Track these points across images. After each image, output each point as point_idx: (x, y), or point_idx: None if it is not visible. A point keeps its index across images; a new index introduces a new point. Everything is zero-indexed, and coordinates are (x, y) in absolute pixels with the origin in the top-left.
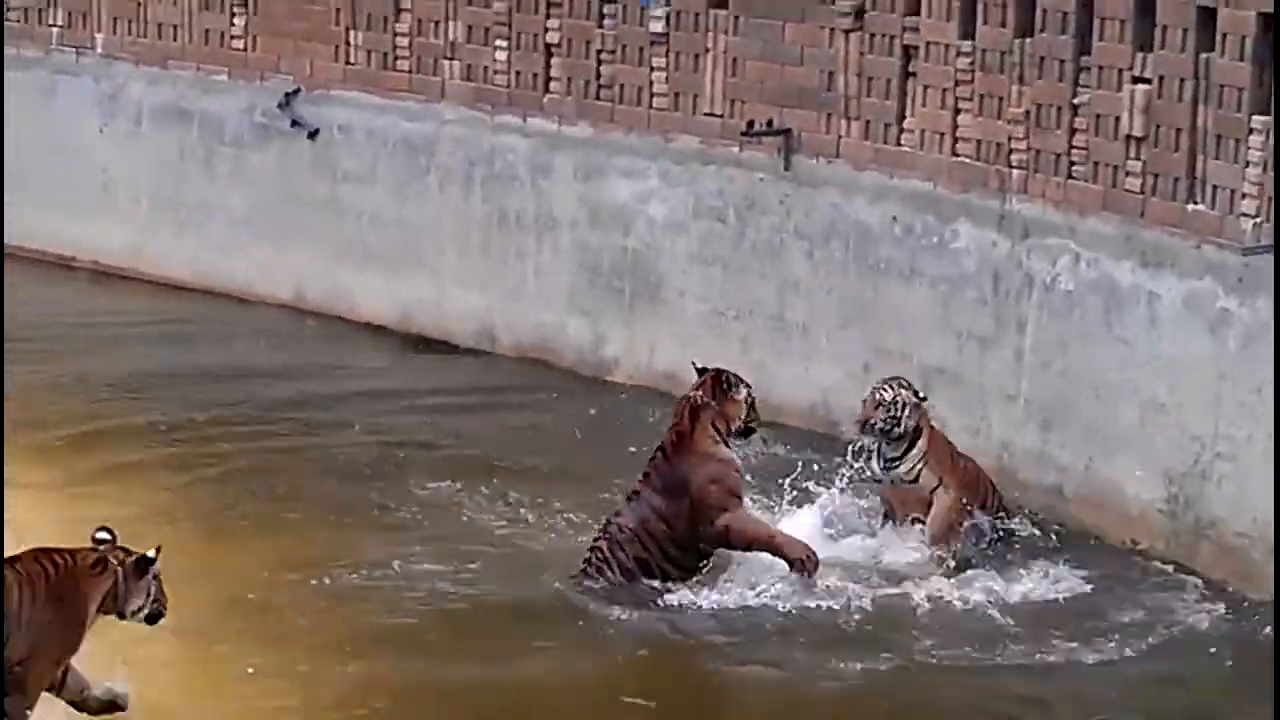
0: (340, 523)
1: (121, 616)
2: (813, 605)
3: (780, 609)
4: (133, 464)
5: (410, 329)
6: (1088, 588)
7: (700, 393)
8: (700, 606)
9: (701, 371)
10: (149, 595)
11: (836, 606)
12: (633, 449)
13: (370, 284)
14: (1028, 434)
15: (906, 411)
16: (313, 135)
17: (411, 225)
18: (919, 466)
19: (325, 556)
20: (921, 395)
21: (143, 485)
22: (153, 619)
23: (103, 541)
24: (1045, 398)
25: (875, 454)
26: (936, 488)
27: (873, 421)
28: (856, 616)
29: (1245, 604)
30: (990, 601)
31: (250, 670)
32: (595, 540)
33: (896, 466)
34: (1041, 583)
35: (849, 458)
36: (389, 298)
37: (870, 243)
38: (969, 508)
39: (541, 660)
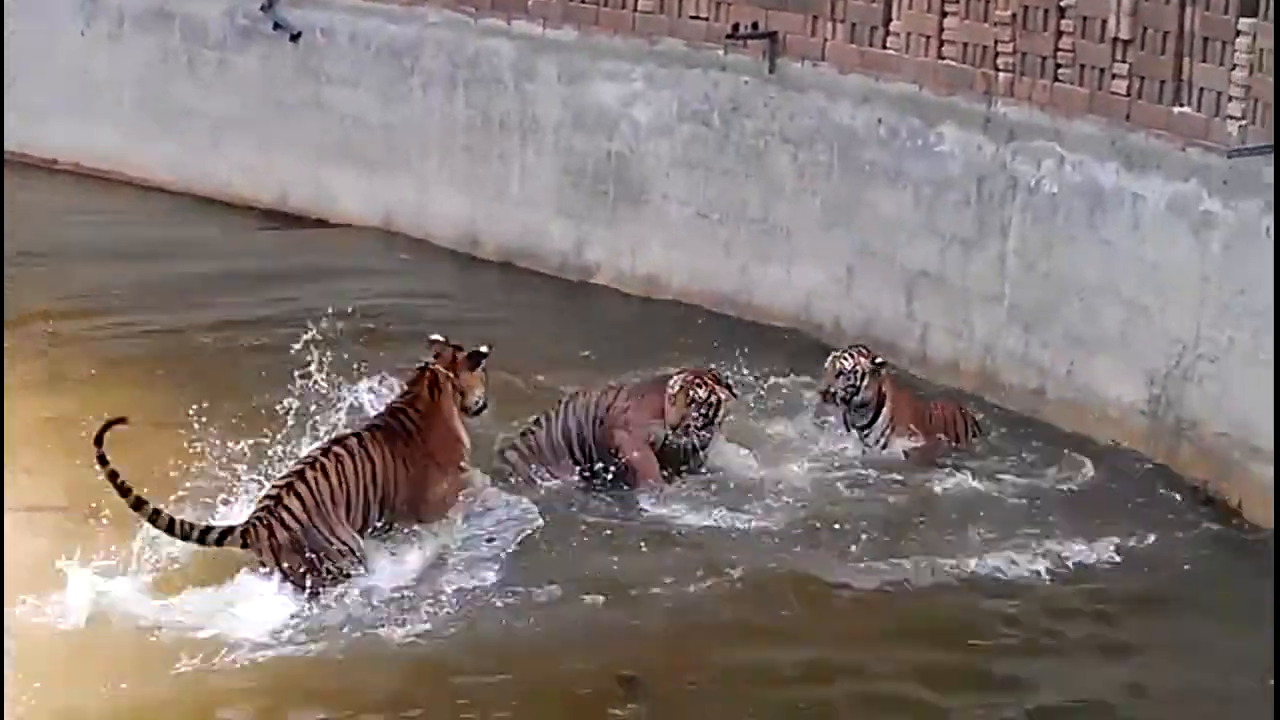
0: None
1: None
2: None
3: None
4: (118, 361)
5: (393, 230)
6: (1065, 487)
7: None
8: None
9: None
10: (484, 387)
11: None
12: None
13: (353, 186)
14: (1010, 336)
15: (865, 381)
16: (295, 38)
17: (395, 128)
18: (888, 433)
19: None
20: (879, 360)
21: (131, 384)
22: (479, 412)
23: (435, 342)
24: (1028, 300)
25: (845, 426)
26: (909, 449)
27: (833, 390)
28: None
29: (1224, 502)
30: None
31: None
32: None
33: (868, 435)
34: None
35: (817, 421)
36: (372, 200)
37: (855, 146)
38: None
39: None
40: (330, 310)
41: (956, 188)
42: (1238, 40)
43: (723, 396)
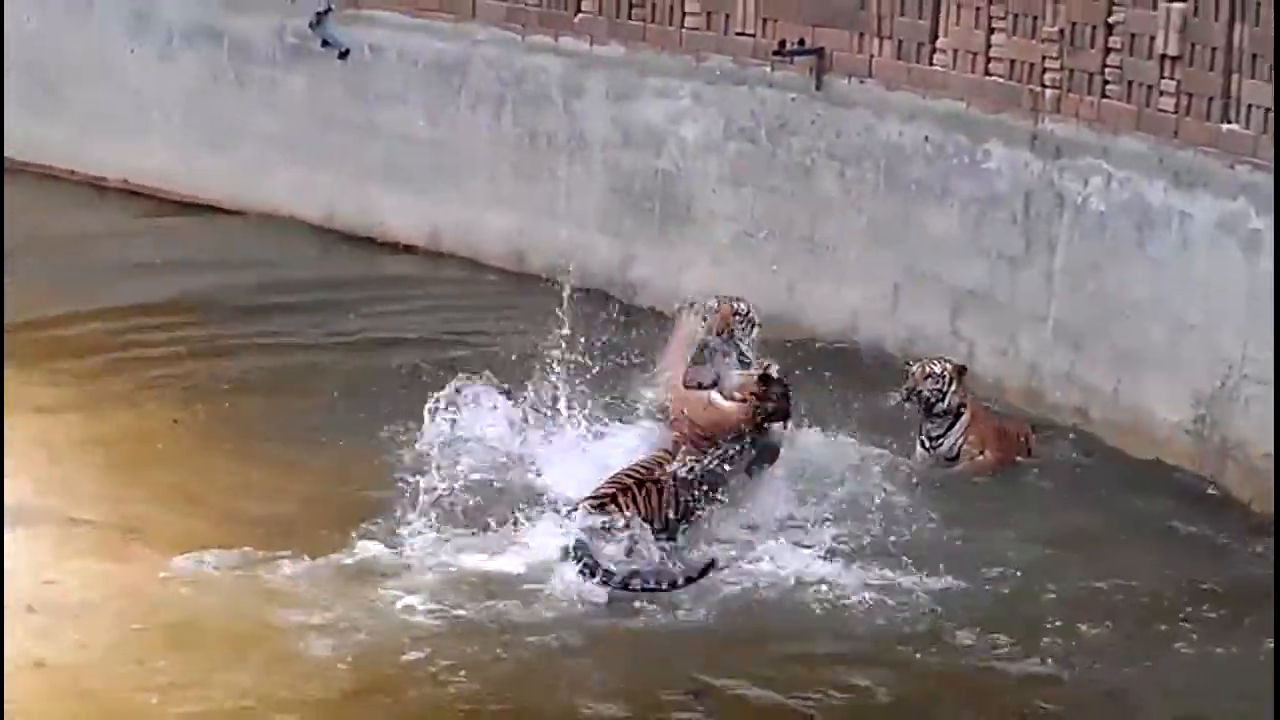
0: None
1: None
2: None
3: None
4: (158, 383)
5: (441, 249)
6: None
7: None
8: None
9: None
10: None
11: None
12: None
13: (401, 205)
14: (1057, 355)
15: (953, 387)
16: (344, 55)
17: (443, 146)
18: (959, 443)
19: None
20: (964, 368)
21: (175, 404)
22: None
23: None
24: (1075, 319)
25: (919, 431)
26: (976, 456)
27: (919, 389)
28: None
29: (1269, 524)
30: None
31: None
32: None
33: (940, 445)
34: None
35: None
36: (420, 219)
37: (902, 163)
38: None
39: None
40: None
41: (1003, 205)
42: None
43: (757, 320)
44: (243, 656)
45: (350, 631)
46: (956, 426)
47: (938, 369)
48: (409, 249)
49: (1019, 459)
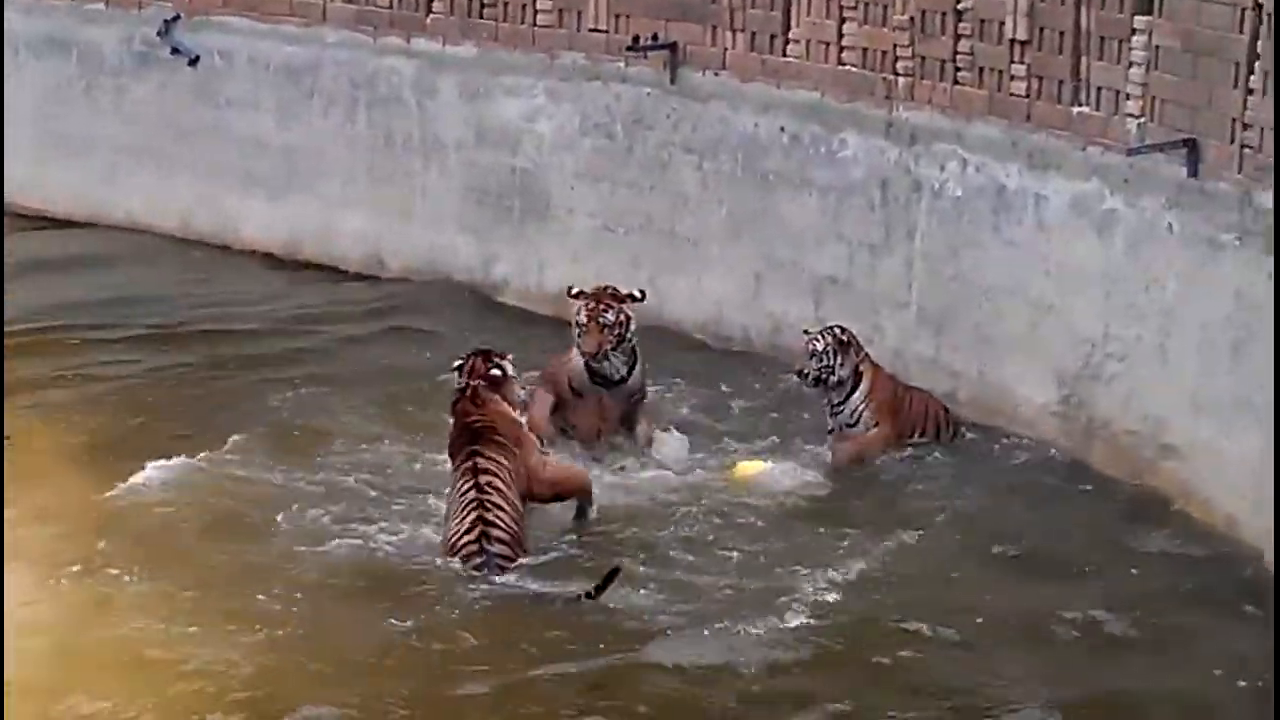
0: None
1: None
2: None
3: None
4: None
5: (298, 255)
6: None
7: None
8: None
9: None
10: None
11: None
12: None
13: (256, 210)
14: (920, 340)
15: (839, 359)
16: (193, 62)
17: (296, 150)
18: (861, 409)
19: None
20: (847, 337)
21: (43, 420)
22: None
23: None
24: (936, 304)
25: (824, 403)
26: (873, 426)
27: (806, 371)
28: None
29: (1136, 499)
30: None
31: None
32: None
33: (840, 412)
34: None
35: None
36: (276, 224)
37: (759, 154)
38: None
39: None
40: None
41: (861, 193)
42: (1134, 38)
43: (630, 314)
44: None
45: None
46: (856, 394)
47: (819, 345)
48: (267, 256)
49: (931, 438)
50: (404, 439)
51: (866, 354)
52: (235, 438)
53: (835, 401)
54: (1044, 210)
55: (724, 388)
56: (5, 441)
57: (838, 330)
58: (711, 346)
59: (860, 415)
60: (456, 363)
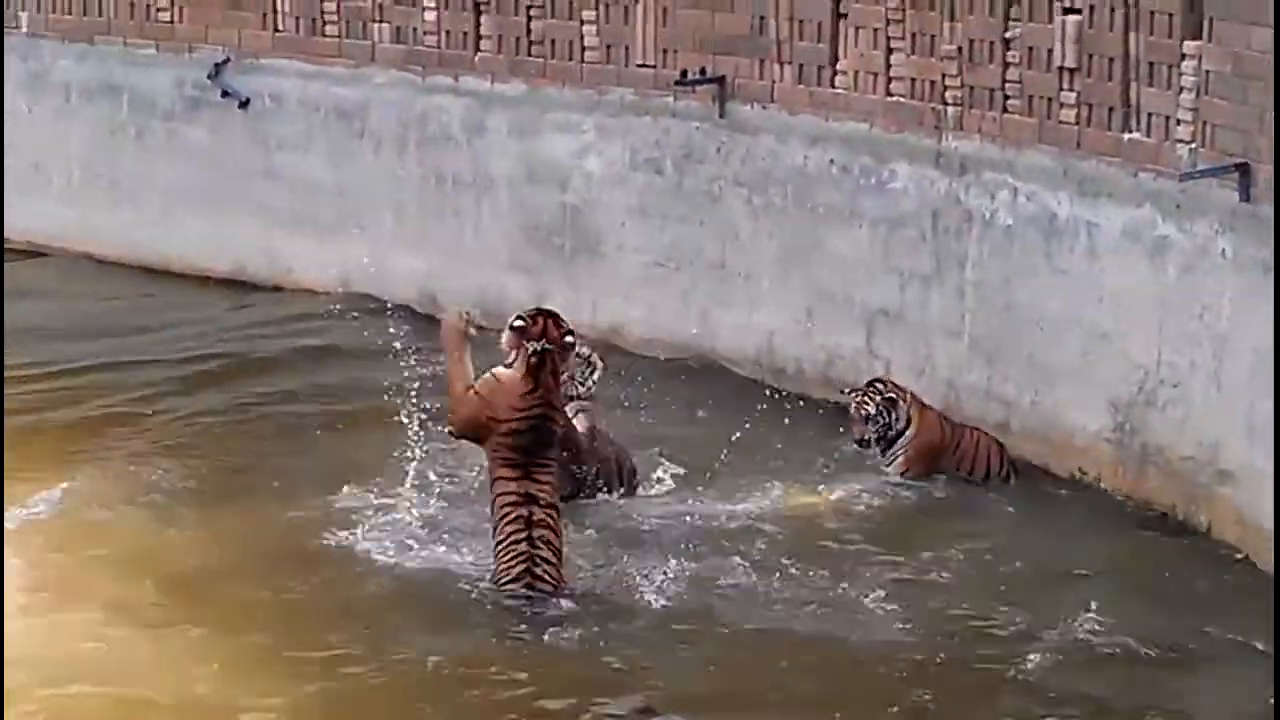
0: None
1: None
2: None
3: None
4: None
5: (351, 292)
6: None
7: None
8: None
9: None
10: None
11: None
12: None
13: (309, 252)
14: (973, 371)
15: (893, 415)
16: (244, 105)
17: (348, 191)
18: (899, 454)
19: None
20: (891, 394)
21: (102, 467)
22: None
23: None
24: (988, 334)
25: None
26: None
27: (866, 438)
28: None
29: (1193, 529)
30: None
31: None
32: None
33: (894, 460)
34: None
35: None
36: (328, 265)
37: (808, 187)
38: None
39: None
40: None
41: (911, 224)
42: (1184, 63)
43: (598, 363)
44: None
45: None
46: (902, 440)
47: (870, 409)
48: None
49: (988, 474)
50: None
51: (913, 397)
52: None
53: (886, 450)
54: (1096, 237)
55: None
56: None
57: (880, 386)
58: (764, 383)
59: (896, 456)
60: (517, 321)
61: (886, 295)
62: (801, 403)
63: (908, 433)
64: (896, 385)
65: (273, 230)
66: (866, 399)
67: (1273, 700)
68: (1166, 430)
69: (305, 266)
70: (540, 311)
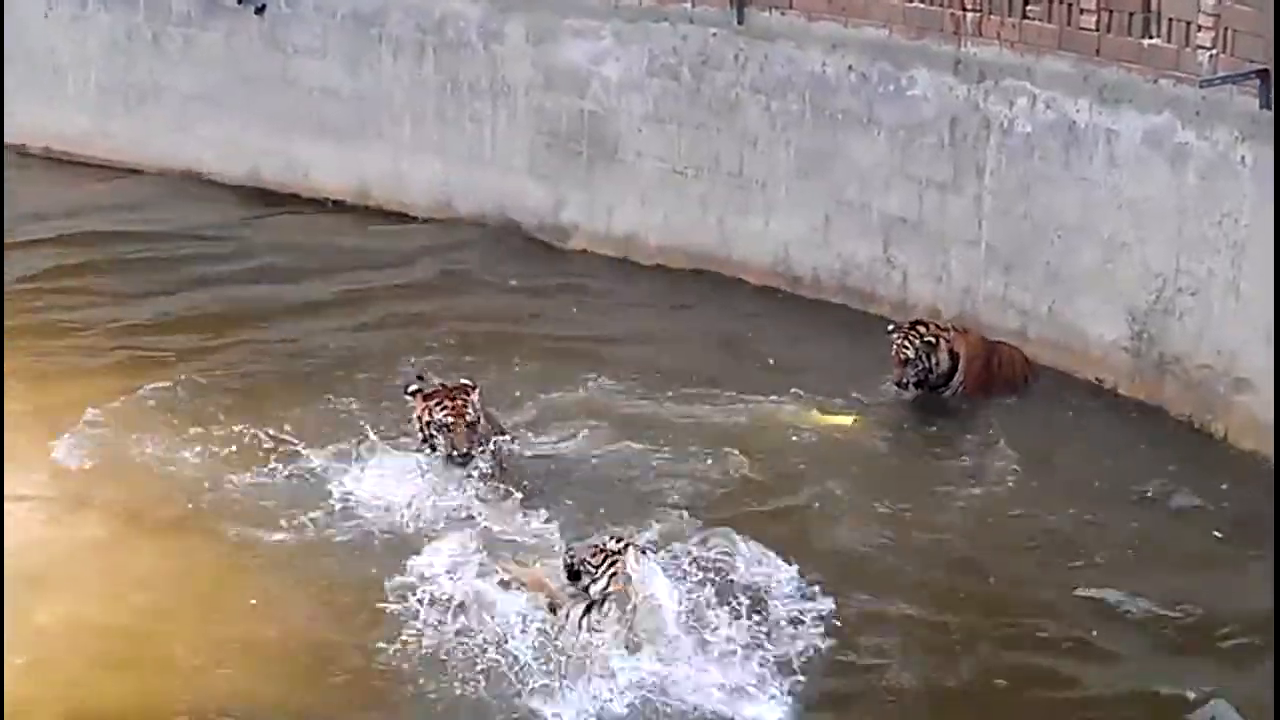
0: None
1: None
2: None
3: None
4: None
5: (368, 202)
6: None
7: None
8: None
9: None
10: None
11: None
12: None
13: (326, 158)
14: (990, 279)
15: (933, 359)
16: (260, 10)
17: (365, 97)
18: (960, 389)
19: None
20: (934, 336)
21: (119, 376)
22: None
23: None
24: (1006, 241)
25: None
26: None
27: (904, 381)
28: None
29: (1209, 435)
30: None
31: None
32: None
33: (943, 393)
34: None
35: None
36: (345, 171)
37: (826, 93)
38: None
39: None
40: None
41: (930, 131)
42: None
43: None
44: None
45: None
46: (955, 377)
47: (909, 352)
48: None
49: (1022, 384)
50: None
51: (952, 330)
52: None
53: (936, 385)
54: (1115, 145)
55: (797, 332)
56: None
57: (921, 329)
58: (780, 290)
59: (958, 391)
60: None
61: (904, 203)
62: (817, 310)
63: (959, 371)
64: (938, 326)
65: (290, 136)
66: (906, 342)
67: (1273, 689)
68: (1184, 338)
69: (322, 173)
70: None
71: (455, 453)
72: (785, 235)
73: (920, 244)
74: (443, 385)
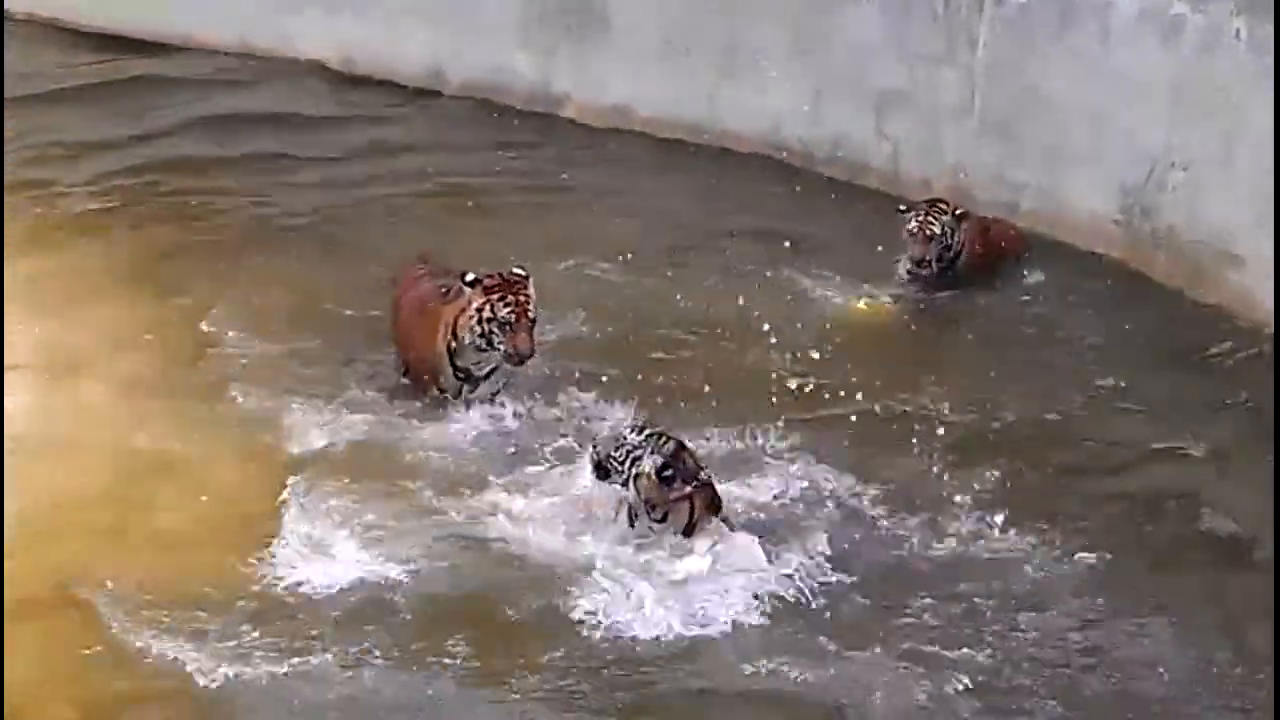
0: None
1: None
2: None
3: None
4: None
5: (355, 70)
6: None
7: None
8: None
9: None
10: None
11: None
12: None
13: (312, 23)
14: (982, 152)
15: (955, 236)
16: None
17: None
18: (960, 269)
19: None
20: (960, 210)
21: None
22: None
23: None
24: (999, 115)
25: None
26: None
27: (928, 259)
28: None
29: (1198, 308)
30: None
31: None
32: None
33: (947, 273)
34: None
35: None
36: (332, 37)
37: None
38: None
39: None
40: None
41: (922, 3)
42: None
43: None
44: None
45: None
46: (959, 261)
47: (936, 228)
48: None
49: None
50: None
51: (966, 220)
52: None
53: (942, 267)
54: (1109, 17)
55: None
56: None
57: (943, 205)
58: (771, 161)
59: (961, 276)
60: None
61: (896, 76)
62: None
63: (964, 254)
64: (958, 209)
65: (278, 2)
66: (931, 219)
67: (1273, 677)
68: (1176, 214)
69: (311, 40)
70: None
71: (515, 353)
72: (777, 108)
73: (912, 117)
74: (499, 274)
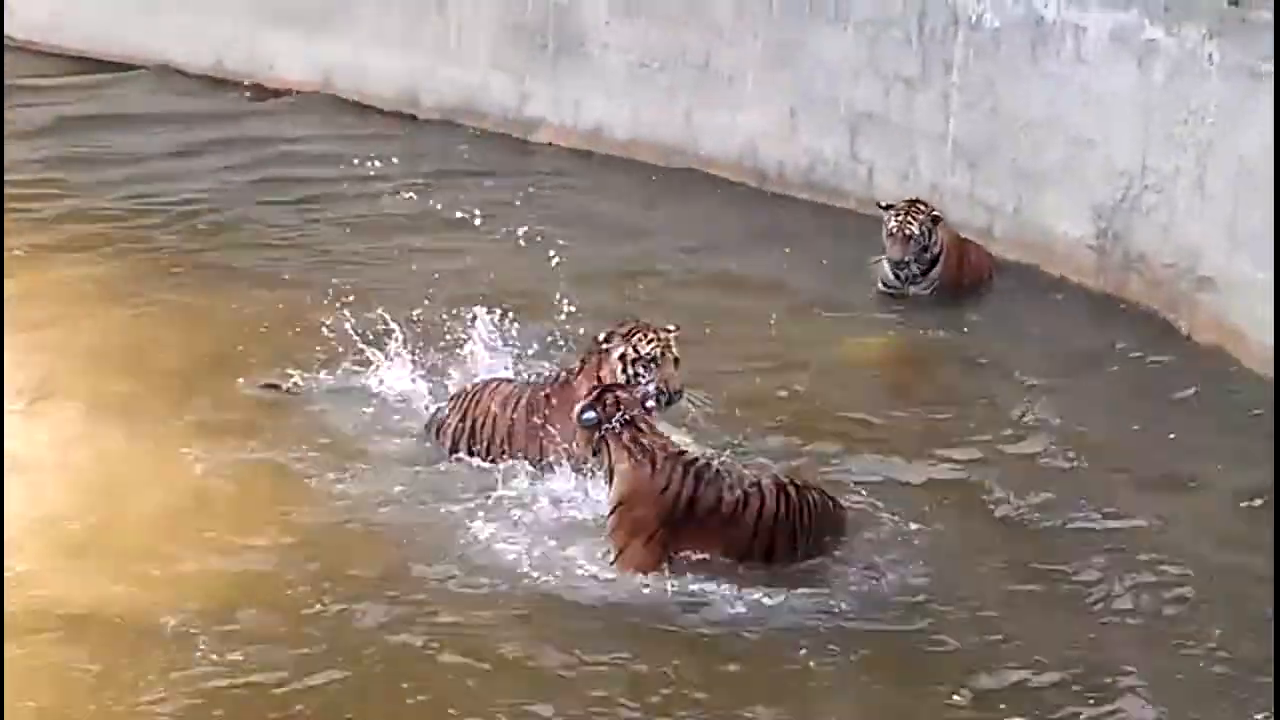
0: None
1: None
2: None
3: None
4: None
5: (332, 92)
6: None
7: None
8: None
9: None
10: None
11: None
12: None
13: (290, 47)
14: (957, 175)
15: (933, 238)
16: None
17: None
18: (936, 281)
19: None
20: (936, 213)
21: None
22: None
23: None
24: (973, 138)
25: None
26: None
27: (907, 259)
28: None
29: (1173, 333)
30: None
31: None
32: None
33: (919, 282)
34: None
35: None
36: (309, 61)
37: None
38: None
39: None
40: None
41: (898, 25)
42: None
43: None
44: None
45: None
46: (935, 269)
47: (915, 229)
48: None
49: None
50: None
51: (943, 226)
52: None
53: (915, 274)
54: (1083, 41)
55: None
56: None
57: (923, 206)
58: (746, 185)
59: (936, 289)
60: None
61: (871, 98)
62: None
63: (941, 261)
64: (934, 211)
65: (254, 25)
66: (910, 218)
67: (1273, 675)
68: (1149, 236)
69: (287, 63)
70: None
71: (665, 389)
72: (752, 128)
73: (887, 139)
74: (635, 320)
